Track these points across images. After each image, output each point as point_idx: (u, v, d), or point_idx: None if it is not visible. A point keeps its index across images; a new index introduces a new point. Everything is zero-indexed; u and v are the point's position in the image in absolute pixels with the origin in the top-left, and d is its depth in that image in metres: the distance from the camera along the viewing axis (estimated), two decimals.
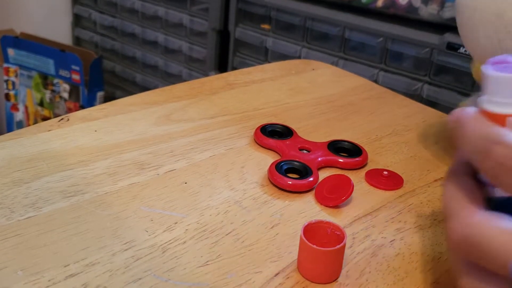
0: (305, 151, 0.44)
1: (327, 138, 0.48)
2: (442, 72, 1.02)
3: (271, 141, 0.45)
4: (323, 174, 0.42)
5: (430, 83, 1.03)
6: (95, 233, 0.33)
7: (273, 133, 0.47)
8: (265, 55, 1.31)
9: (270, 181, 0.40)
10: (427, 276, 0.33)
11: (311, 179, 0.40)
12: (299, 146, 0.45)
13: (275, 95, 0.56)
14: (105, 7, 1.70)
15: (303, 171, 0.41)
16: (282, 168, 0.41)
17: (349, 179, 0.39)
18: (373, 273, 0.33)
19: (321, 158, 0.43)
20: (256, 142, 0.46)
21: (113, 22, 1.68)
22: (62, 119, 0.46)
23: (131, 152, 0.43)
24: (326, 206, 0.38)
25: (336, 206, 0.38)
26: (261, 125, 0.47)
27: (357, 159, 0.44)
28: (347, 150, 0.45)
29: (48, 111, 1.71)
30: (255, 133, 0.46)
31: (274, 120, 0.51)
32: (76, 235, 0.33)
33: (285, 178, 0.40)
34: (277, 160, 0.42)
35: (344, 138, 0.48)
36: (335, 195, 0.38)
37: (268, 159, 0.44)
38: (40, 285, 0.29)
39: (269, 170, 0.41)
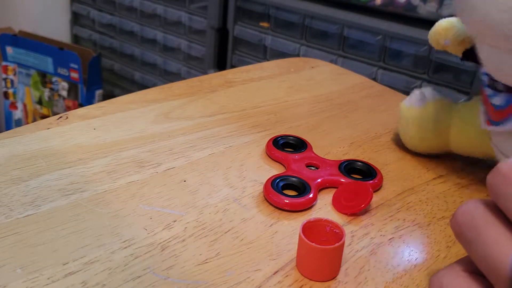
0: (312, 168, 0.42)
1: (325, 136, 0.48)
2: (440, 70, 1.02)
3: (279, 154, 0.43)
4: (330, 194, 0.40)
5: (429, 81, 1.03)
6: (94, 231, 0.33)
7: (286, 145, 0.45)
8: (264, 53, 1.31)
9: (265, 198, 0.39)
10: (426, 274, 0.33)
11: (303, 199, 0.38)
12: (307, 162, 0.43)
13: (274, 93, 0.56)
14: (104, 5, 1.69)
15: (301, 188, 0.39)
16: (278, 184, 0.39)
17: (368, 187, 0.38)
18: (372, 271, 0.33)
19: (327, 177, 0.41)
20: (266, 153, 0.44)
21: (111, 20, 1.68)
22: (60, 117, 0.46)
23: (130, 150, 0.43)
24: (344, 214, 0.38)
25: (353, 214, 0.38)
26: (274, 137, 0.46)
27: (369, 182, 0.41)
28: (360, 171, 0.43)
29: (47, 109, 1.71)
30: (267, 143, 0.45)
31: (272, 118, 0.51)
32: (75, 233, 0.33)
33: (279, 195, 0.38)
34: (275, 175, 0.40)
35: (344, 137, 0.48)
36: (354, 203, 0.38)
37: (267, 158, 0.44)
38: (39, 283, 0.29)
39: (265, 185, 0.39)
